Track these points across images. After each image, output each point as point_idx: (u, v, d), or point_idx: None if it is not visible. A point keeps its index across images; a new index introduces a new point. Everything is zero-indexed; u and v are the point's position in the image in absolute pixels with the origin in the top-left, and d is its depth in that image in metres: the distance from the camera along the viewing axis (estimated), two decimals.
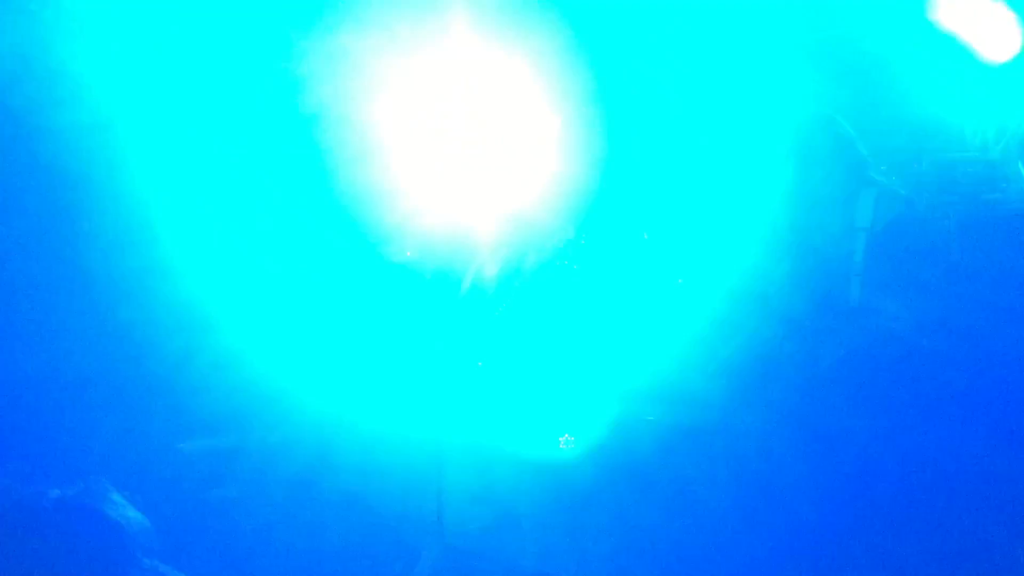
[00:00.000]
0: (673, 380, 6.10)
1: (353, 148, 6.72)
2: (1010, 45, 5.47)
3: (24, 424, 6.16)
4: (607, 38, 6.59)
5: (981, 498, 4.47)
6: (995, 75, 5.75)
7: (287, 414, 7.23)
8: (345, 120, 6.29)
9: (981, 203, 5.51)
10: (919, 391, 4.27)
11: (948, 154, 5.81)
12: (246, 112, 6.13)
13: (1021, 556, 3.90)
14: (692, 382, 5.90)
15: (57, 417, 5.90)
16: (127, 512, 1.67)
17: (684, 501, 5.46)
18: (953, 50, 5.56)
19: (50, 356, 8.01)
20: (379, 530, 4.25)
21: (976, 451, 4.62)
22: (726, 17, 6.17)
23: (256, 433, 7.37)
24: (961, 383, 4.81)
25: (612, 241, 6.81)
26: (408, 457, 6.20)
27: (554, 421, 6.49)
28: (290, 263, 6.72)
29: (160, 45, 6.13)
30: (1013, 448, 4.57)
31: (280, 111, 6.17)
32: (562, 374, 6.59)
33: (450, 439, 4.93)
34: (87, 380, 7.85)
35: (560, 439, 5.97)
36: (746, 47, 6.88)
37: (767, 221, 3.96)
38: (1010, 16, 5.43)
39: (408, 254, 7.78)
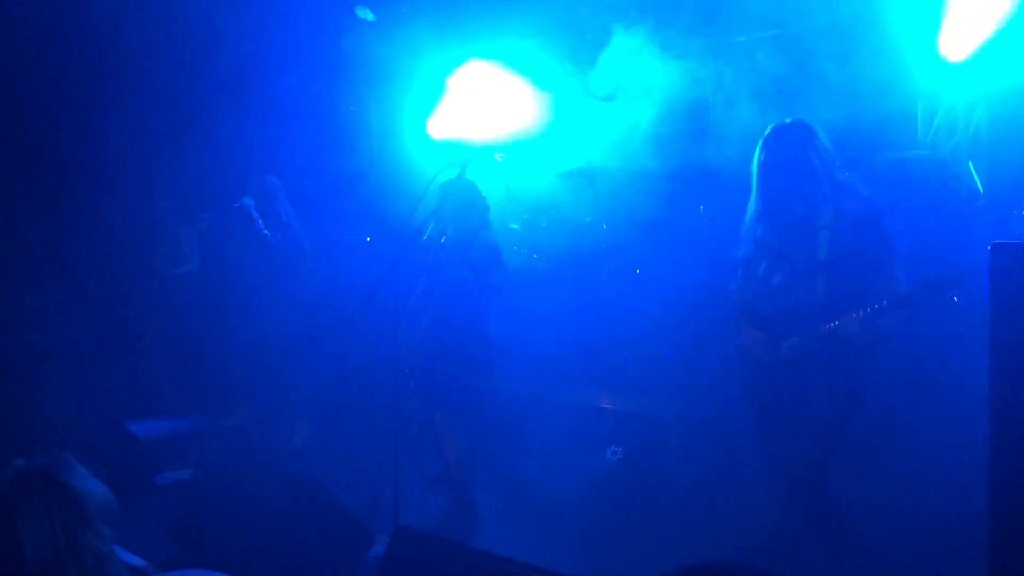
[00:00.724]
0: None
1: None
2: (962, 46, 5.58)
3: None
4: None
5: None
6: (947, 75, 5.87)
7: (248, 398, 7.25)
8: None
9: (931, 200, 5.63)
10: (890, 385, 4.36)
11: (899, 152, 5.94)
12: None
13: None
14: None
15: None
16: (90, 482, 1.68)
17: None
18: (907, 49, 5.66)
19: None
20: (335, 514, 4.25)
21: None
22: None
23: (215, 416, 7.37)
24: (924, 378, 4.94)
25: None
26: (368, 442, 6.23)
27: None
28: None
29: None
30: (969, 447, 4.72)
31: None
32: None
33: (408, 424, 4.95)
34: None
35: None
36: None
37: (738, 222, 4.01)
38: (963, 17, 5.54)
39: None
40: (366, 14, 7.30)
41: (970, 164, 5.93)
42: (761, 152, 3.89)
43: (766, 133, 3.93)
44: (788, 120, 3.94)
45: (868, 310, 3.54)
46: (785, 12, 5.78)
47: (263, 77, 8.05)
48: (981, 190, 5.95)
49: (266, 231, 6.54)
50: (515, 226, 7.27)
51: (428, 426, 5.16)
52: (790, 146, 3.78)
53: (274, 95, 7.89)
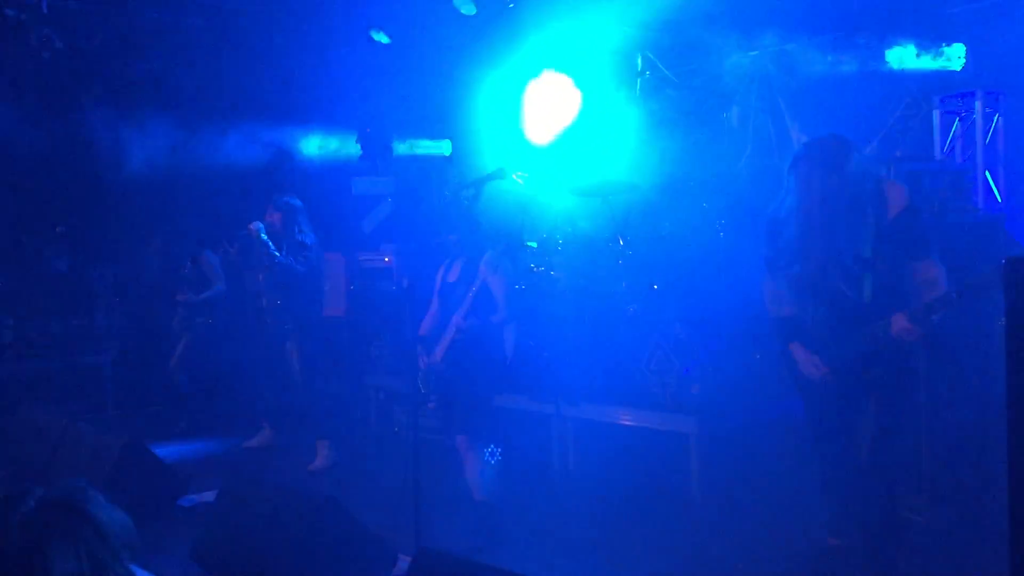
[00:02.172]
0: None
1: None
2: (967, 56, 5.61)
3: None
4: None
5: None
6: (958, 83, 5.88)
7: (270, 420, 7.31)
8: None
9: (950, 210, 5.61)
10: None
11: (916, 163, 5.93)
12: None
13: None
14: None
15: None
16: (109, 510, 1.69)
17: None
18: (921, 59, 5.66)
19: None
20: (357, 534, 4.27)
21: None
22: None
23: (237, 438, 7.44)
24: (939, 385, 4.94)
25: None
26: (390, 461, 6.25)
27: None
28: None
29: None
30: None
31: None
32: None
33: (427, 442, 4.97)
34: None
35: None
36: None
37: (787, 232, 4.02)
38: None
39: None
40: (381, 37, 7.37)
41: (988, 174, 5.92)
42: (800, 163, 3.90)
43: (803, 145, 3.95)
44: (823, 135, 3.96)
45: (922, 308, 3.52)
46: (797, 23, 5.79)
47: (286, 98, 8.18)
48: (1000, 199, 5.93)
49: (276, 253, 6.58)
50: (533, 244, 7.29)
51: (450, 445, 5.18)
52: (830, 154, 3.80)
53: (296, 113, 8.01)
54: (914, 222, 3.72)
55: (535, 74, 7.90)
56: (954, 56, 5.63)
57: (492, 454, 5.58)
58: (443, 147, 9.60)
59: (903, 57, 5.61)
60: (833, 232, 3.76)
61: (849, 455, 3.89)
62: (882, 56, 5.61)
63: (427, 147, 9.52)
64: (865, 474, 3.83)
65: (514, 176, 4.50)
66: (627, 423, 6.15)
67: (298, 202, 6.83)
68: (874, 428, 3.82)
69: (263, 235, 6.54)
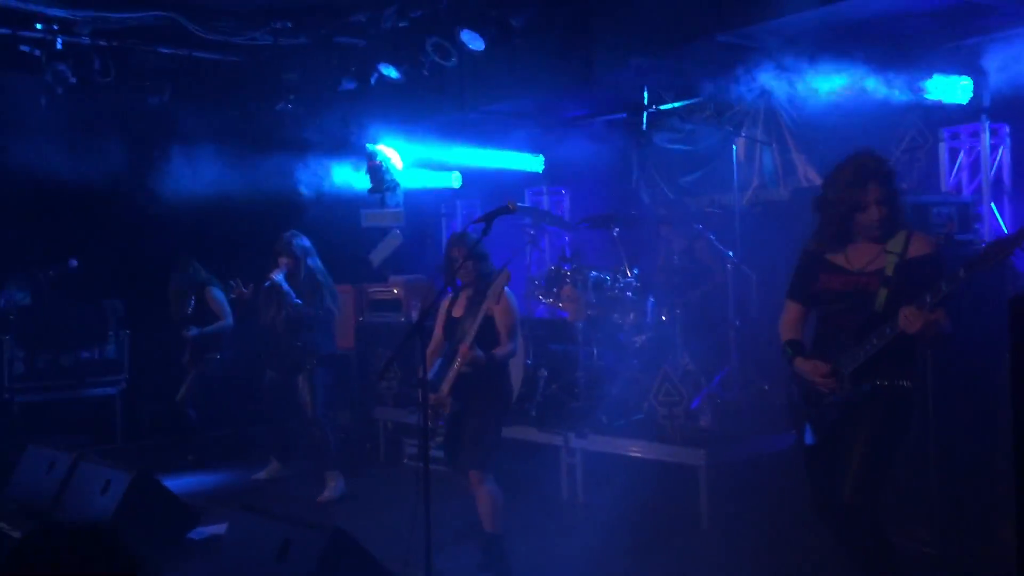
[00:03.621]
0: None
1: None
2: (964, 88, 5.66)
3: None
4: None
5: None
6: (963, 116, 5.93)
7: (278, 452, 7.33)
8: None
9: (955, 242, 5.64)
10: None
11: (923, 196, 5.97)
12: None
13: None
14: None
15: None
16: (133, 545, 1.73)
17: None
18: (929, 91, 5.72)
19: None
20: (368, 567, 4.28)
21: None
22: None
23: (247, 471, 7.45)
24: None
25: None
26: (400, 494, 6.25)
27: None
28: None
29: None
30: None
31: None
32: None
33: (437, 473, 4.97)
34: None
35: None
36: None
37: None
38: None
39: None
40: (390, 71, 7.46)
41: (993, 206, 5.95)
42: (836, 176, 3.94)
43: (839, 163, 3.99)
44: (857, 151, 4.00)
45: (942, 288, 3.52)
46: (803, 56, 5.86)
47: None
48: (1005, 231, 5.96)
49: (298, 301, 6.68)
50: (537, 281, 7.34)
51: (457, 478, 5.18)
52: (861, 172, 3.84)
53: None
54: (933, 269, 3.73)
55: None
56: (960, 89, 5.69)
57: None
58: (452, 179, 9.68)
59: (909, 89, 5.66)
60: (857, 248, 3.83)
61: (838, 486, 3.89)
62: (888, 88, 5.67)
63: (435, 180, 9.61)
64: (850, 503, 3.83)
65: (509, 205, 4.54)
66: (636, 455, 6.15)
67: (307, 241, 6.91)
68: (863, 452, 3.81)
69: (284, 286, 6.64)
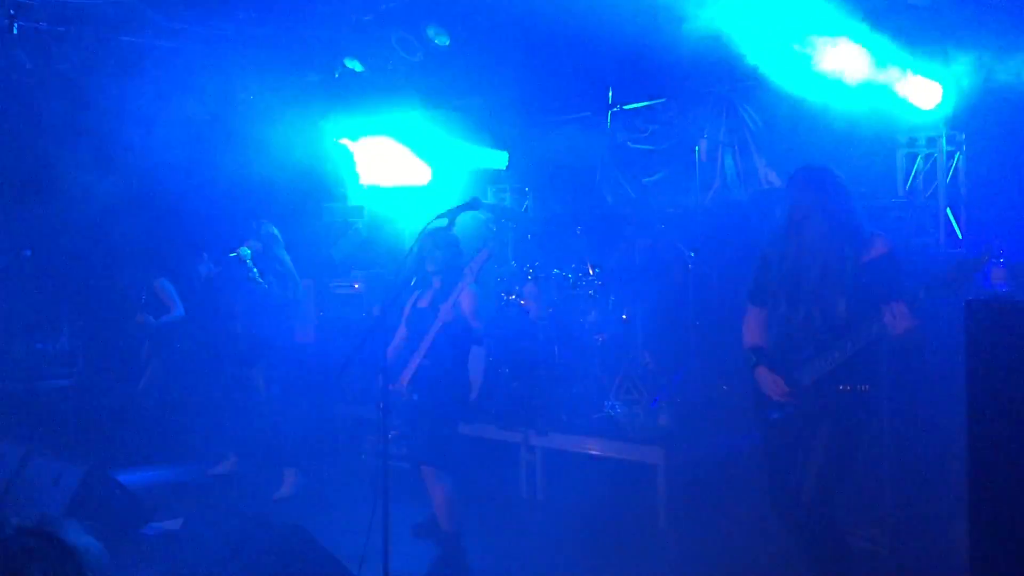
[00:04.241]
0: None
1: None
2: (933, 93, 5.74)
3: None
4: None
5: None
6: (923, 121, 6.01)
7: (235, 446, 7.24)
8: None
9: (912, 247, 5.73)
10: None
11: (879, 200, 6.05)
12: None
13: None
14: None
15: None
16: (84, 538, 1.70)
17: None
18: (881, 98, 5.79)
19: None
20: (325, 563, 4.25)
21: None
22: None
23: (202, 466, 7.36)
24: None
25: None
26: (357, 490, 6.21)
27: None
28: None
29: None
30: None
31: None
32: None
33: (396, 470, 4.95)
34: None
35: None
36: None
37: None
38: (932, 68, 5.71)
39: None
40: (355, 65, 7.42)
41: (948, 211, 6.05)
42: (792, 192, 3.97)
43: (790, 178, 4.02)
44: (807, 166, 4.04)
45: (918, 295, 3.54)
46: (759, 62, 5.91)
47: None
48: (960, 236, 6.06)
49: (261, 279, 6.58)
50: (499, 278, 7.34)
51: (416, 475, 5.16)
52: (816, 189, 3.88)
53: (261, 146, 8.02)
54: (890, 268, 3.78)
55: None
56: (919, 94, 5.77)
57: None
58: (416, 175, 9.62)
59: (868, 95, 5.74)
60: (811, 264, 3.83)
61: (796, 489, 3.93)
62: (848, 94, 5.74)
63: (399, 175, 9.55)
64: (809, 506, 3.87)
65: (473, 201, 4.55)
66: (595, 453, 6.17)
67: (275, 230, 6.85)
68: (822, 457, 3.85)
69: (249, 261, 6.55)
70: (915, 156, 6.22)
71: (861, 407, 3.86)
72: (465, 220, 4.83)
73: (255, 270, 6.55)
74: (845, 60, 5.67)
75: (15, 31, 7.16)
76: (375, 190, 9.28)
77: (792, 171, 4.09)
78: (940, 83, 5.73)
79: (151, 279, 7.86)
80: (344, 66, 7.56)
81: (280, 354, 6.84)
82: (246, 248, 6.57)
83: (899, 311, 3.57)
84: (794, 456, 3.94)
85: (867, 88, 5.70)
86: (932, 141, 6.08)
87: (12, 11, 7.09)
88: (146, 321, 7.71)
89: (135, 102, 7.79)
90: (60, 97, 7.85)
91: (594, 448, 6.17)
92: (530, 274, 7.07)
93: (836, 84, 5.73)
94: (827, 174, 3.98)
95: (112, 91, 7.74)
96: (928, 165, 6.18)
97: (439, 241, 5.04)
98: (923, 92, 5.76)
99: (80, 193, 8.24)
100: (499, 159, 9.42)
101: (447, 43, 6.72)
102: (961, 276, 3.43)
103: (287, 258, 6.86)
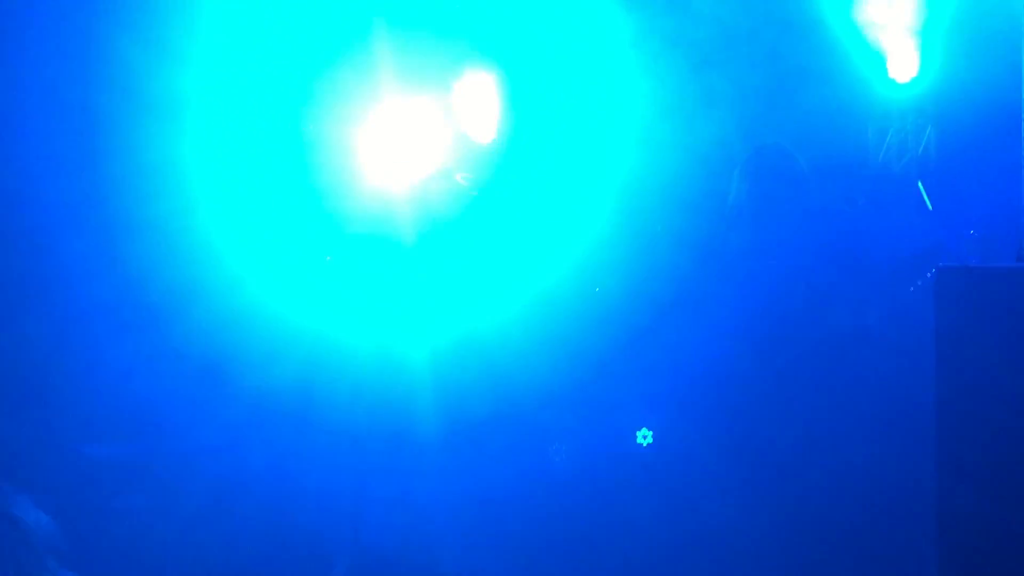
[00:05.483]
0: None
1: None
2: (911, 65, 5.73)
3: None
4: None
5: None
6: (897, 94, 6.01)
7: (202, 418, 7.15)
8: None
9: (883, 218, 5.74)
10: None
11: (852, 172, 6.05)
12: None
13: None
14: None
15: None
16: (34, 514, 1.65)
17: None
18: (857, 69, 5.78)
19: None
20: (294, 538, 4.23)
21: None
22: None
23: (168, 439, 7.27)
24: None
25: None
26: (327, 463, 6.17)
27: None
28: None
29: None
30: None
31: None
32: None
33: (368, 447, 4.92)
34: None
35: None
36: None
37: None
38: (912, 37, 5.69)
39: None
40: None
41: (920, 184, 6.06)
42: (743, 178, 3.90)
43: (745, 158, 3.93)
44: (763, 144, 3.97)
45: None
46: (733, 35, 5.87)
47: None
48: (930, 207, 6.08)
49: None
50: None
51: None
52: (772, 171, 3.82)
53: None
54: (851, 240, 3.77)
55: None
56: (892, 66, 5.77)
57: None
58: None
59: (842, 67, 5.73)
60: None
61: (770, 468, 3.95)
62: (821, 64, 5.72)
63: None
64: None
65: (457, 177, 4.51)
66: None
67: None
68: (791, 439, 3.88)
69: None
70: (887, 129, 6.23)
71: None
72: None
73: None
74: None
75: None
76: None
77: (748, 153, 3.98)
78: (915, 55, 5.73)
79: None
80: None
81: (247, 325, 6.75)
82: None
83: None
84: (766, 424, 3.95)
85: (840, 59, 5.68)
86: (904, 113, 6.09)
87: None
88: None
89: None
90: None
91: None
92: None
93: (809, 55, 5.71)
94: (785, 159, 3.86)
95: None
96: (900, 137, 6.18)
97: None
98: (898, 64, 5.76)
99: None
100: None
101: None
102: (915, 270, 3.43)
103: None
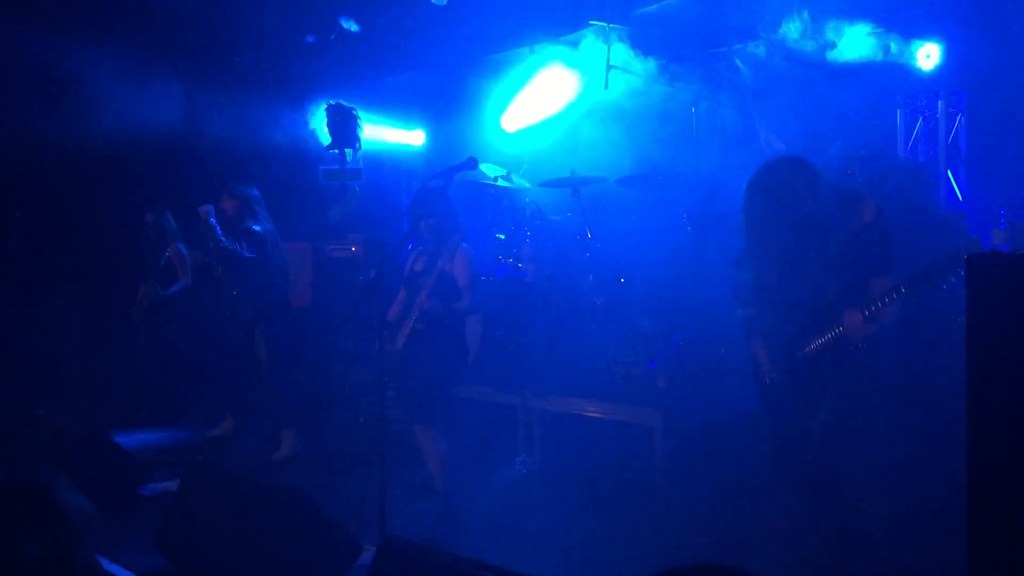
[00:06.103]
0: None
1: None
2: (934, 54, 5.69)
3: None
4: None
5: None
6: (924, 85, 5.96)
7: (234, 409, 7.24)
8: None
9: (913, 208, 5.70)
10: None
11: (881, 162, 6.01)
12: None
13: None
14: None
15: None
16: (74, 496, 1.68)
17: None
18: (885, 61, 5.74)
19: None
20: (322, 524, 4.26)
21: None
22: None
23: (201, 427, 7.37)
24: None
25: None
26: (355, 452, 6.23)
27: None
28: None
29: None
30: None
31: None
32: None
33: (393, 431, 4.96)
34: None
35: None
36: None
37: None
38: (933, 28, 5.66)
39: None
40: (351, 25, 7.33)
41: (949, 173, 6.01)
42: (754, 197, 3.81)
43: (755, 176, 3.84)
44: (777, 160, 3.86)
45: (891, 295, 3.52)
46: (761, 24, 5.85)
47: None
48: (960, 197, 6.03)
49: (223, 238, 6.50)
50: (501, 236, 7.31)
51: (410, 436, 5.18)
52: (784, 190, 3.71)
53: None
54: (878, 238, 3.73)
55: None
56: (920, 55, 5.72)
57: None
58: (414, 137, 9.58)
59: (868, 55, 5.68)
60: (792, 268, 3.75)
61: (801, 457, 3.94)
62: (847, 55, 5.68)
63: (396, 136, 9.50)
64: (815, 476, 3.89)
65: (472, 160, 4.51)
66: (593, 415, 6.17)
67: (255, 191, 6.76)
68: (823, 429, 3.86)
69: (211, 219, 6.48)
70: (916, 117, 6.18)
71: (861, 363, 3.83)
72: (464, 181, 4.80)
73: (218, 228, 6.49)
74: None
75: None
76: (372, 151, 9.22)
77: (762, 164, 3.89)
78: (941, 44, 5.68)
79: (172, 242, 7.60)
80: (341, 27, 7.48)
81: (273, 315, 6.80)
82: (210, 206, 6.51)
83: (852, 320, 3.61)
84: (796, 415, 3.93)
85: (868, 49, 5.64)
86: (932, 102, 6.04)
87: None
88: (155, 292, 7.51)
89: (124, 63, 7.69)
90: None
91: (591, 410, 6.17)
92: (528, 237, 7.03)
93: (836, 46, 5.67)
94: (796, 170, 3.77)
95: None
96: (929, 126, 6.14)
97: (435, 201, 5.02)
98: (924, 53, 5.71)
99: (76, 152, 8.08)
100: None
101: (444, 2, 6.64)
102: (942, 271, 3.39)
103: (263, 217, 6.76)
